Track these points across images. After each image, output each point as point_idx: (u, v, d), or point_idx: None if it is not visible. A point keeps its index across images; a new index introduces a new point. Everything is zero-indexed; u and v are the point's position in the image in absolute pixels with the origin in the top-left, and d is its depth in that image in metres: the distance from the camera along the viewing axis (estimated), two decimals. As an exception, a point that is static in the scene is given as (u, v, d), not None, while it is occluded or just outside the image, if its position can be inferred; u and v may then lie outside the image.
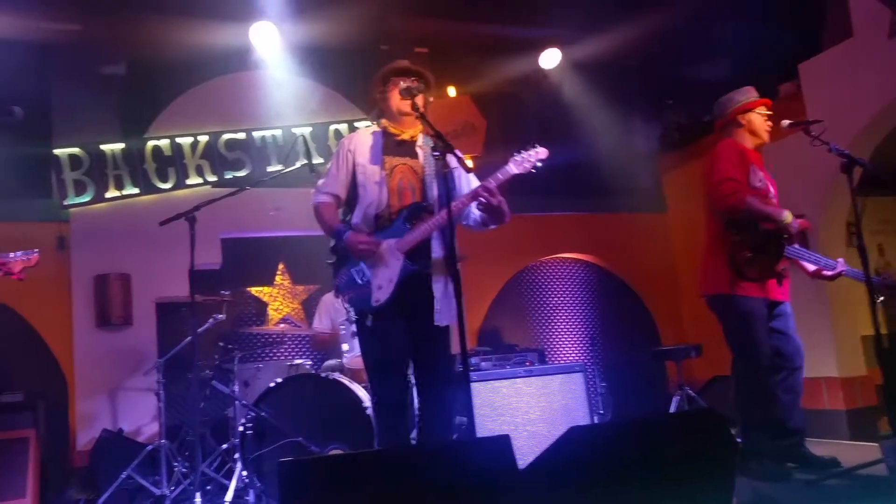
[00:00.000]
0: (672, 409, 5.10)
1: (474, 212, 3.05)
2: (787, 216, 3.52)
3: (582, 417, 4.54)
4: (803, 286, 4.00)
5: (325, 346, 5.14)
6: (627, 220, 7.16)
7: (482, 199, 2.86)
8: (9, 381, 4.85)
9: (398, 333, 2.90)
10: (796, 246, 3.66)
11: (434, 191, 3.00)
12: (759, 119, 3.78)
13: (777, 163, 4.78)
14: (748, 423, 3.55)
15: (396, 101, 3.04)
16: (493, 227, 3.04)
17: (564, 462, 1.92)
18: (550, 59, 6.47)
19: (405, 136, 3.09)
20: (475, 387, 4.37)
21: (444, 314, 2.93)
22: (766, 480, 3.35)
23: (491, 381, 4.48)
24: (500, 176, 2.88)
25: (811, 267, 3.80)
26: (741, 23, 5.82)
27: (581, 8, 5.68)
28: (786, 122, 3.72)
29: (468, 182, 3.09)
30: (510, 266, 6.78)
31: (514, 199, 2.94)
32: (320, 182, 3.15)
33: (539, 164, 2.91)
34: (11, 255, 2.97)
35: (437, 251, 2.97)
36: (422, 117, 2.90)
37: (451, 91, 6.39)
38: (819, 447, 3.79)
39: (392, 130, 3.09)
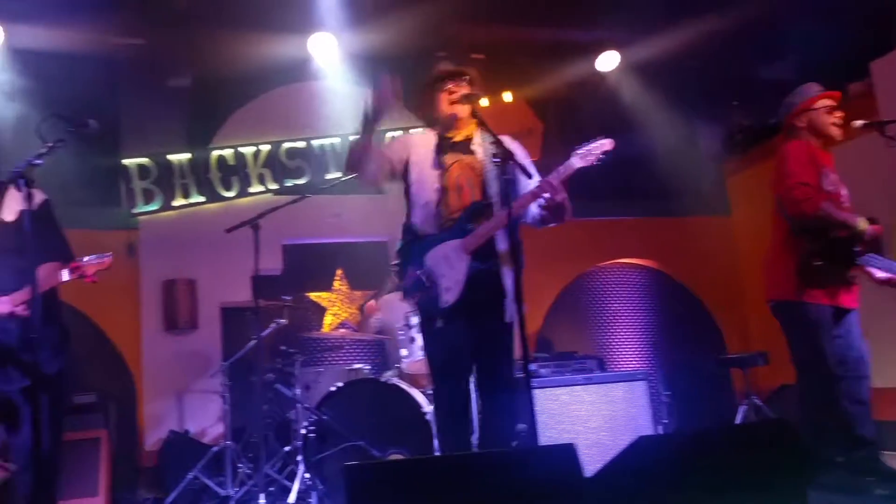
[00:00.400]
0: (738, 419, 4.97)
1: (533, 209, 2.95)
2: (863, 223, 3.36)
3: (646, 427, 4.45)
4: (874, 290, 3.82)
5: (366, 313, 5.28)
6: (690, 224, 6.98)
7: (545, 196, 2.78)
8: (81, 383, 5.03)
9: (464, 336, 2.86)
10: (870, 254, 3.50)
11: (494, 186, 2.93)
12: (819, 116, 3.59)
13: (849, 164, 4.59)
14: (818, 434, 3.41)
15: (445, 105, 3.01)
16: (553, 224, 2.95)
17: (632, 471, 1.88)
18: (608, 61, 6.38)
19: (460, 137, 3.05)
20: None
21: (511, 309, 2.85)
22: (841, 494, 3.22)
23: (550, 388, 4.43)
24: (562, 171, 2.77)
25: (881, 274, 3.61)
26: (808, 20, 5.62)
27: (639, 9, 5.57)
28: (859, 123, 3.57)
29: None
30: (568, 271, 6.71)
31: (574, 203, 2.86)
32: None
33: (603, 157, 2.78)
34: (86, 258, 3.07)
35: (502, 245, 2.90)
36: (483, 125, 2.87)
37: (508, 96, 6.36)
38: (899, 461, 3.61)
39: (447, 134, 3.06)
